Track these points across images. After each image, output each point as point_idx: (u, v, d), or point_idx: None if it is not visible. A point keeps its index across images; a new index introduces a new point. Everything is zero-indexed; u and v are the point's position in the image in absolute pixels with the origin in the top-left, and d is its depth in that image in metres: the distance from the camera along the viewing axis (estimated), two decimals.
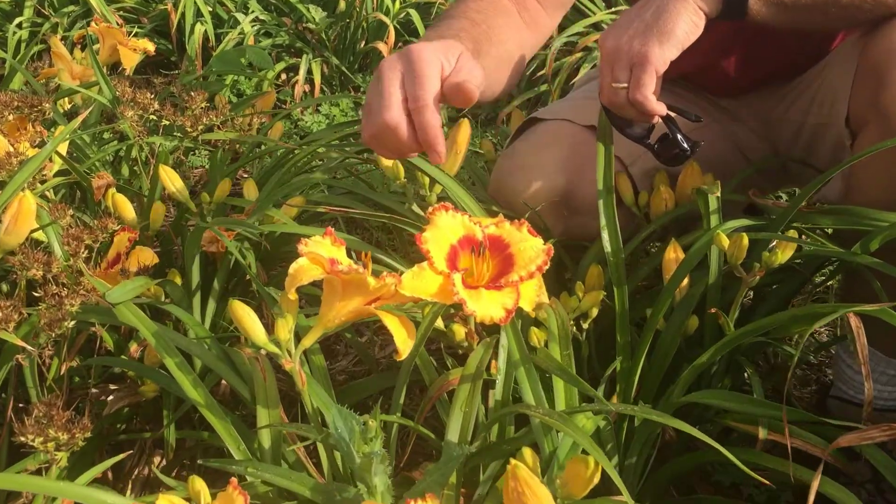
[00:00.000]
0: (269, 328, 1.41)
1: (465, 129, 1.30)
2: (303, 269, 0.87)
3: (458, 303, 0.86)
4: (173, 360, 0.99)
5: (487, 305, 0.86)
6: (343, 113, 2.86)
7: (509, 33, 1.32)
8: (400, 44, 3.09)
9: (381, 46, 2.97)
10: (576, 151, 1.40)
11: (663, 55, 1.13)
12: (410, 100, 0.98)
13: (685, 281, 1.23)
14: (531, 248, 0.91)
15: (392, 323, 0.88)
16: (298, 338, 0.91)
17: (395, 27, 3.00)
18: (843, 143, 1.28)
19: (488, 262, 0.91)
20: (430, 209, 0.92)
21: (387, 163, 1.36)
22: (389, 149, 1.03)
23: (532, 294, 0.91)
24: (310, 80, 2.92)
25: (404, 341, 0.88)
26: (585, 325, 1.25)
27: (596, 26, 2.84)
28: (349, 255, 0.93)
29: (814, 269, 1.33)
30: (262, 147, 1.75)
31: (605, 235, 1.25)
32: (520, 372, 0.94)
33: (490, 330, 1.15)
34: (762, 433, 1.11)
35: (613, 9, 2.88)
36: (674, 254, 1.26)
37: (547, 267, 0.90)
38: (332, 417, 0.82)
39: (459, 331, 1.15)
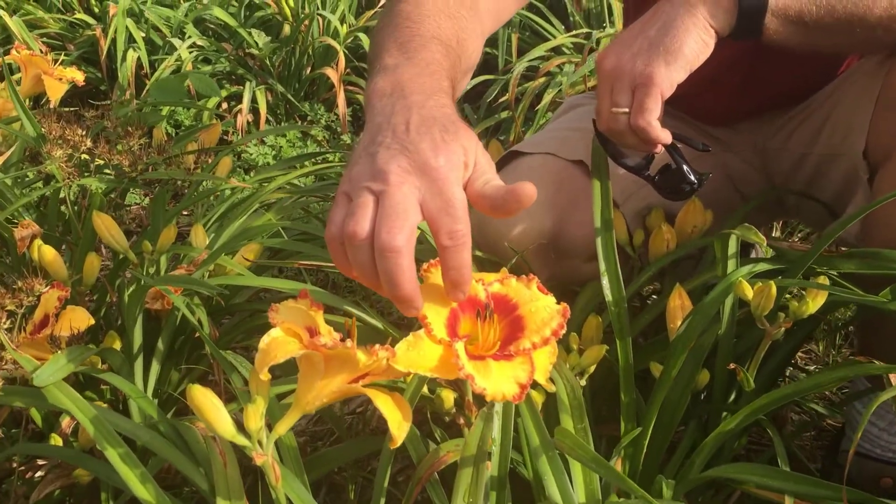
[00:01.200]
0: (221, 394, 1.28)
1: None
2: (277, 344, 0.75)
3: (463, 378, 0.74)
4: (116, 451, 0.84)
5: (498, 381, 0.76)
6: (290, 144, 2.73)
7: (475, 41, 1.19)
8: (348, 70, 2.97)
9: (330, 72, 2.85)
10: (562, 189, 1.31)
11: (670, 76, 1.04)
12: (445, 234, 0.78)
13: (684, 327, 1.14)
14: (544, 310, 0.82)
15: (385, 405, 0.76)
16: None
17: (343, 52, 2.88)
18: (857, 175, 1.20)
19: (495, 326, 0.80)
20: (424, 266, 0.81)
21: None
22: (365, 270, 0.79)
23: (547, 364, 0.81)
24: (254, 108, 2.78)
25: (399, 426, 0.76)
26: (583, 383, 1.15)
27: (557, 50, 2.77)
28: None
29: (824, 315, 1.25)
30: (204, 185, 1.61)
31: (605, 282, 1.15)
32: (541, 462, 0.82)
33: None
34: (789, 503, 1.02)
35: (574, 32, 2.80)
36: (679, 300, 1.16)
37: (564, 331, 0.79)
38: None
39: (448, 397, 1.04)
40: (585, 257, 1.32)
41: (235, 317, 1.54)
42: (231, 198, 1.64)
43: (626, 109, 1.08)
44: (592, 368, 1.14)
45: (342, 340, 0.76)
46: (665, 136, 1.08)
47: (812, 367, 1.75)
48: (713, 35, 1.04)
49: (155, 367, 1.29)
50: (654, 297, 1.79)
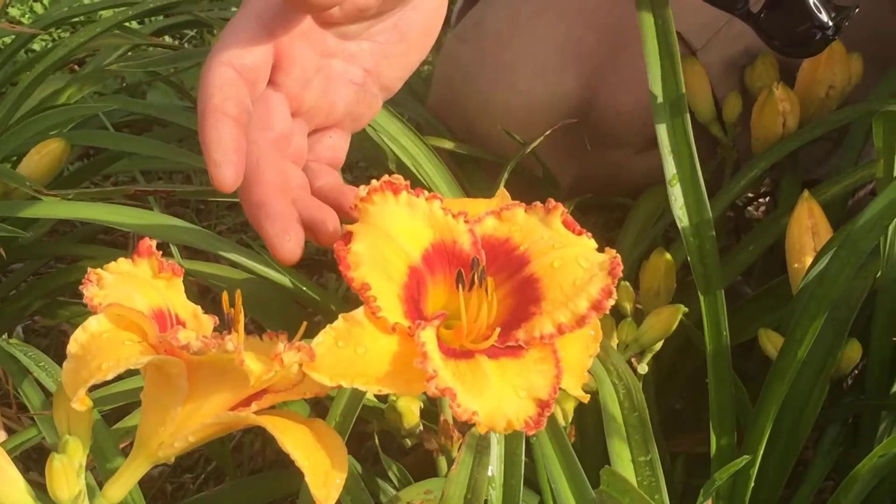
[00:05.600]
0: (11, 405, 1.26)
1: None
2: (101, 346, 0.73)
3: (436, 395, 0.73)
4: None
5: (499, 396, 0.74)
6: None
7: None
8: None
9: None
10: (597, 25, 1.34)
11: None
12: None
13: (819, 269, 1.15)
14: (575, 263, 0.81)
15: (298, 446, 0.76)
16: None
17: None
18: None
19: (490, 296, 0.79)
20: (363, 191, 0.79)
21: None
22: None
23: (583, 360, 0.82)
24: None
25: (325, 481, 0.77)
26: (643, 367, 1.16)
27: None
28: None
29: None
30: None
31: (675, 193, 1.15)
32: None
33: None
34: None
35: None
36: (808, 220, 1.18)
37: (613, 302, 0.78)
38: None
39: (409, 410, 1.04)
40: (638, 143, 1.34)
41: (26, 268, 1.52)
42: (11, 52, 1.61)
43: None
44: (659, 345, 1.15)
45: (218, 333, 0.75)
46: None
47: None
48: None
49: None
50: (757, 205, 1.79)
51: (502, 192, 0.87)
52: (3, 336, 1.17)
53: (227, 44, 0.90)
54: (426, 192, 0.81)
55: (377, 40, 0.95)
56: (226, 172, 0.86)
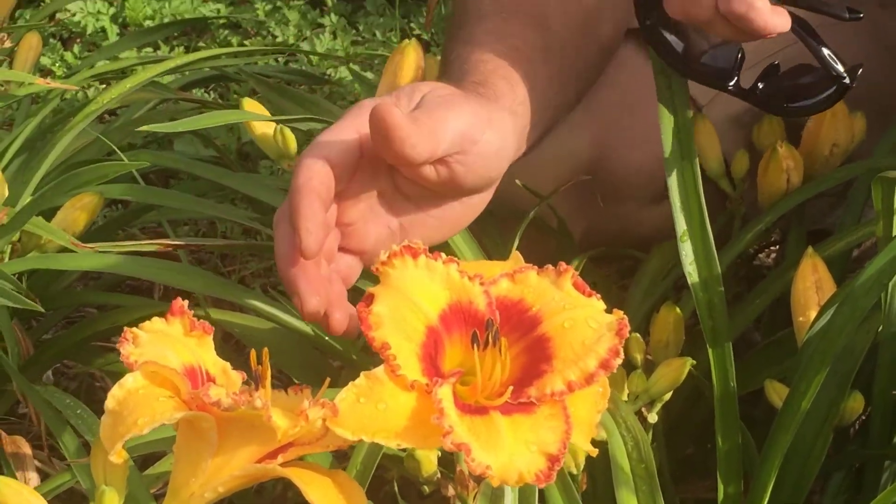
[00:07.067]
0: (44, 448, 1.29)
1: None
2: (137, 402, 0.76)
3: (452, 450, 0.75)
4: None
5: (512, 450, 0.77)
6: None
7: None
8: None
9: None
10: (604, 82, 1.35)
11: None
12: None
13: (822, 323, 1.16)
14: (585, 324, 0.83)
15: (321, 498, 0.78)
16: None
17: None
18: None
19: (504, 355, 0.81)
20: (384, 256, 0.81)
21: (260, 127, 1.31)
22: None
23: (592, 416, 0.84)
24: None
25: None
26: (652, 417, 1.17)
27: None
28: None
29: None
30: None
31: (686, 250, 1.17)
32: None
33: None
34: None
35: None
36: (812, 277, 1.19)
37: (620, 361, 0.80)
38: None
39: (428, 460, 1.05)
40: (646, 198, 1.36)
41: (55, 315, 1.54)
42: (45, 104, 1.63)
43: None
44: (669, 395, 1.17)
45: (246, 388, 0.77)
46: (782, 20, 1.08)
47: None
48: None
49: None
50: (768, 253, 1.81)
51: (515, 254, 0.89)
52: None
53: (329, 142, 1.05)
54: (444, 256, 0.83)
55: (420, 207, 1.08)
56: (313, 241, 0.98)
